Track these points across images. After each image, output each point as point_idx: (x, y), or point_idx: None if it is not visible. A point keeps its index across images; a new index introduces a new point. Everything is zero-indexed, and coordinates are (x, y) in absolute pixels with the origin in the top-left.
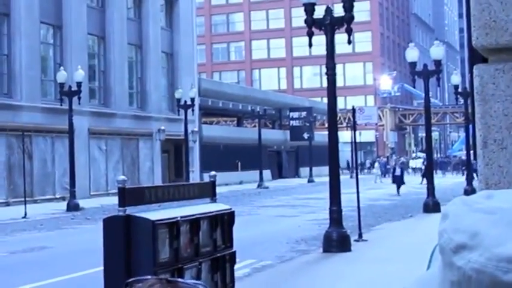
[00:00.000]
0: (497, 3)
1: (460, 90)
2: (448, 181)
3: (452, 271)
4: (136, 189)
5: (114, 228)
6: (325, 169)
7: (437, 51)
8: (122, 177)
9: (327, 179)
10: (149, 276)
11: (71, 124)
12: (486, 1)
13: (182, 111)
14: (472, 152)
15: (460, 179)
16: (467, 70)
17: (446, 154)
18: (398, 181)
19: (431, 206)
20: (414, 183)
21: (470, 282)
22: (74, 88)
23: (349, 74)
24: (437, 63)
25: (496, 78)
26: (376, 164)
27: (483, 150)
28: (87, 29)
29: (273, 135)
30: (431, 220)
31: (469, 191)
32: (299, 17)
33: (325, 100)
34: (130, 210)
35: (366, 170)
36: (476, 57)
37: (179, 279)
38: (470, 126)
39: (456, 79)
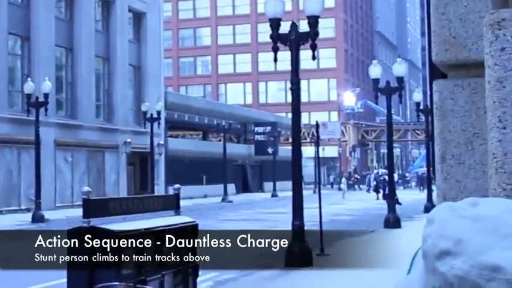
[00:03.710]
0: (457, 20)
1: (421, 107)
2: (409, 197)
3: (435, 277)
4: (100, 201)
5: (78, 240)
6: (289, 184)
7: (399, 68)
8: (87, 188)
9: (291, 193)
10: (117, 283)
11: (37, 135)
12: (446, 18)
13: (148, 124)
14: (431, 168)
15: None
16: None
17: (408, 171)
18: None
19: (392, 221)
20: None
21: None
22: (41, 99)
23: (313, 89)
24: (400, 80)
25: (455, 94)
26: (343, 180)
27: (441, 165)
28: (55, 40)
29: (238, 150)
30: (392, 236)
31: (429, 207)
32: (265, 32)
33: (290, 115)
34: (95, 222)
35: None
36: (436, 73)
37: (147, 287)
38: (431, 143)
39: (418, 96)
